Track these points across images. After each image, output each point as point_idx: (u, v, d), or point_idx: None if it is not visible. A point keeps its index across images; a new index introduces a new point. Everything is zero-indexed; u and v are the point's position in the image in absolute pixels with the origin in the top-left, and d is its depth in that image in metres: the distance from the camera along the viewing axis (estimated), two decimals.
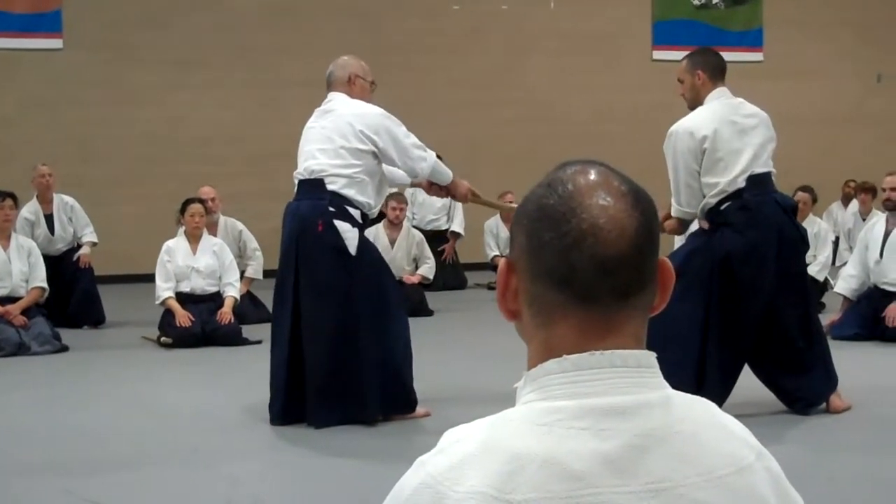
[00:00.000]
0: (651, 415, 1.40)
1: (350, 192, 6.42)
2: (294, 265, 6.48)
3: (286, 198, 6.77)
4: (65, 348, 9.57)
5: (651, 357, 1.45)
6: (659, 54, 18.13)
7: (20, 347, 9.35)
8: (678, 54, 17.84)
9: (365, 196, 6.49)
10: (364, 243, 6.51)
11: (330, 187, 6.40)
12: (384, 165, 6.63)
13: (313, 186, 6.43)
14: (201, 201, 10.44)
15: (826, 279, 11.74)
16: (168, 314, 9.84)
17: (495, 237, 14.41)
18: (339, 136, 6.45)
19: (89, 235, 11.67)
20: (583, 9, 17.57)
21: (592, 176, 1.46)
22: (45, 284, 10.00)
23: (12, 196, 10.06)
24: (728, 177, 6.41)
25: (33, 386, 8.04)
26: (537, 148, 16.87)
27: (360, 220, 6.50)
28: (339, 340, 6.37)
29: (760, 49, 18.46)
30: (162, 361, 9.16)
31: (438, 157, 6.72)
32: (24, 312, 9.63)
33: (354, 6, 16.54)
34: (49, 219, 11.52)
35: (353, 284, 6.38)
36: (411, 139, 6.54)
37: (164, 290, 9.90)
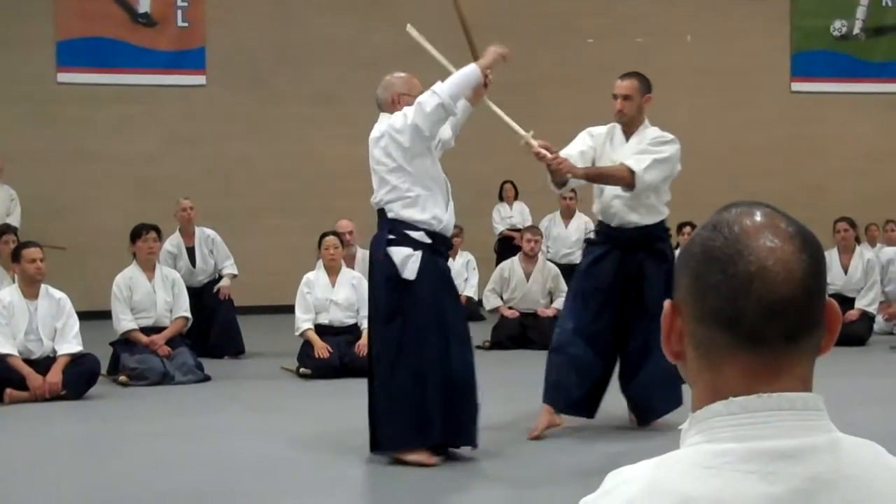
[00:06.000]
0: (819, 459, 1.39)
1: (407, 214, 6.47)
2: (370, 295, 6.74)
3: None
4: (207, 378, 9.76)
5: (818, 400, 1.44)
6: (798, 86, 17.88)
7: (164, 377, 9.57)
8: (818, 86, 17.84)
9: (424, 212, 6.48)
10: (428, 265, 6.45)
11: (389, 215, 6.52)
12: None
13: (380, 217, 6.61)
14: (338, 234, 10.58)
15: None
16: (307, 345, 9.97)
17: None
18: (377, 164, 6.55)
19: (230, 268, 11.90)
20: (719, 42, 17.42)
21: (758, 217, 1.46)
22: (188, 314, 10.23)
23: (156, 229, 10.30)
24: None
25: (176, 415, 8.22)
26: (673, 182, 16.72)
27: (428, 240, 6.48)
28: (401, 364, 6.39)
29: None
30: (300, 392, 9.29)
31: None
32: (169, 342, 9.86)
33: (486, 42, 16.62)
34: (191, 251, 11.78)
35: (413, 309, 6.40)
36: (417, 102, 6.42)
37: (304, 321, 10.05)
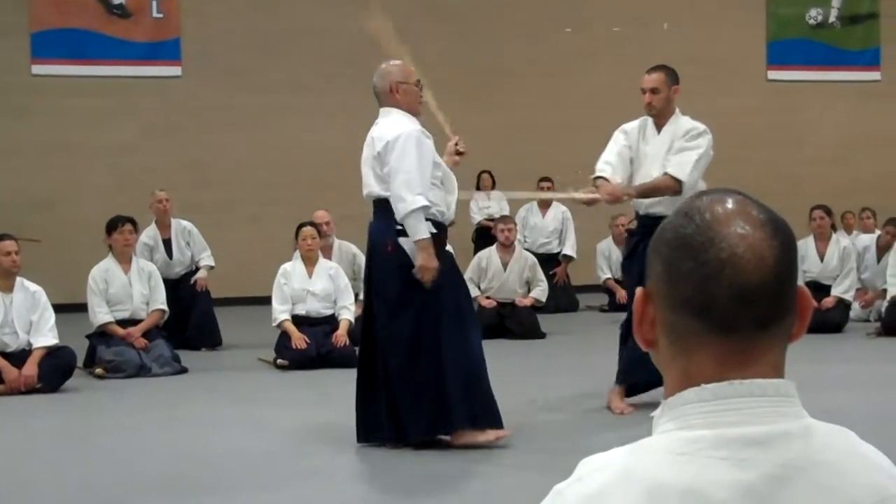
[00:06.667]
0: (791, 445, 1.39)
1: None
2: (368, 286, 6.66)
3: None
4: (184, 370, 9.73)
5: (790, 386, 1.44)
6: (774, 74, 17.94)
7: (141, 369, 9.54)
8: (794, 74, 17.90)
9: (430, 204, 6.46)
10: (437, 254, 6.43)
11: None
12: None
13: (382, 207, 6.53)
14: (315, 225, 10.56)
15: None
16: (284, 336, 9.95)
17: (607, 259, 14.34)
18: (375, 162, 6.52)
19: (206, 259, 11.86)
20: (696, 30, 17.43)
21: (730, 205, 1.46)
22: (165, 307, 10.19)
23: (132, 221, 10.25)
24: None
25: (154, 407, 8.19)
26: None
27: (434, 230, 6.44)
28: (420, 354, 6.38)
29: (878, 68, 18.14)
30: (278, 383, 9.27)
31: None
32: (145, 335, 9.82)
33: (466, 31, 16.61)
34: (167, 243, 11.74)
35: (428, 298, 6.37)
36: (408, 175, 6.30)
37: (281, 312, 10.03)
